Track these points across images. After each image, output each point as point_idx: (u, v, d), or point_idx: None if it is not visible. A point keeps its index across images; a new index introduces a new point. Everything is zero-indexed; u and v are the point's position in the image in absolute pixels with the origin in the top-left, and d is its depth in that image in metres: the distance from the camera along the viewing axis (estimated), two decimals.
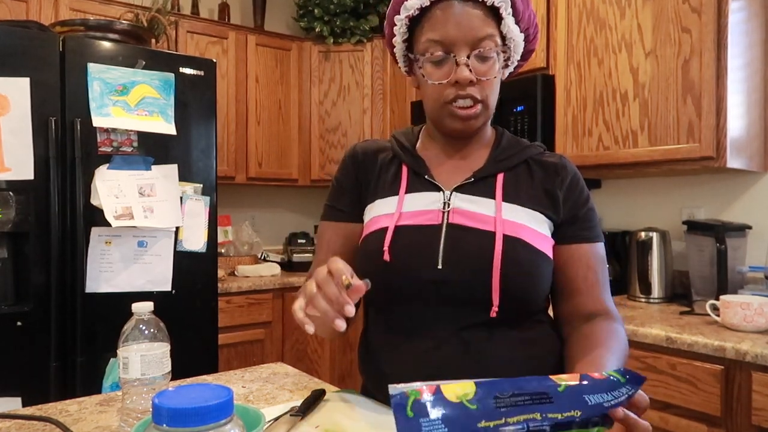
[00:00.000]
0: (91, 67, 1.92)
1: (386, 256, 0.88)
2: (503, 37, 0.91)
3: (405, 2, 0.90)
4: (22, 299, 1.82)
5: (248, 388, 1.03)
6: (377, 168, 1.00)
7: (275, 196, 3.49)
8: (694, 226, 1.91)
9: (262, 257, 3.10)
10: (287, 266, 3.10)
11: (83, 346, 1.88)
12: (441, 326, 0.87)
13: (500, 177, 0.92)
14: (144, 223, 1.94)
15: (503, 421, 0.53)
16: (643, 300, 2.01)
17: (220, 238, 2.93)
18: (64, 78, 1.88)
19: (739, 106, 1.76)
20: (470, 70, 0.86)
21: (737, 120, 1.75)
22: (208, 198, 2.15)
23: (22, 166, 1.79)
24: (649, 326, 1.56)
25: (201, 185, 2.13)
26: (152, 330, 0.83)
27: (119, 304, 1.92)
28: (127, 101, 1.97)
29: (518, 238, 0.87)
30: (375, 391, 0.94)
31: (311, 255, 3.07)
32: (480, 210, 0.89)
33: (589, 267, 0.92)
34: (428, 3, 0.88)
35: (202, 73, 2.15)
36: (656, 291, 1.99)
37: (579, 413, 0.54)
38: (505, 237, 0.86)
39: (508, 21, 0.89)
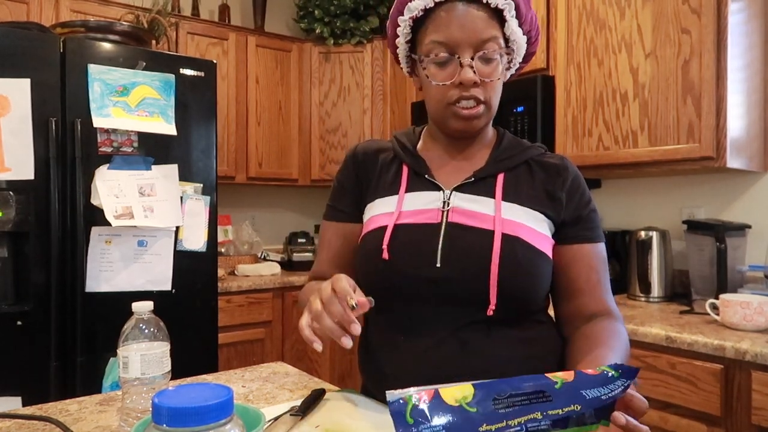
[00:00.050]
0: (92, 68, 1.92)
1: (385, 255, 0.88)
2: (506, 39, 0.91)
3: (409, 3, 0.90)
4: (22, 299, 1.83)
5: (248, 388, 1.03)
6: (378, 168, 1.00)
7: (275, 196, 3.49)
8: (694, 226, 1.91)
9: (262, 257, 3.10)
10: (287, 266, 3.10)
11: (83, 345, 1.88)
12: (440, 325, 0.87)
13: (500, 177, 0.93)
14: (144, 222, 1.94)
15: (504, 423, 0.53)
16: (643, 299, 2.01)
17: (220, 238, 2.93)
18: (65, 79, 1.88)
19: (739, 106, 1.76)
20: (474, 72, 0.86)
21: (737, 120, 1.76)
22: (208, 198, 2.15)
23: (22, 166, 1.80)
24: (649, 325, 1.56)
25: (201, 185, 2.14)
26: (152, 329, 0.83)
27: (119, 304, 1.93)
28: (128, 102, 1.97)
29: (517, 237, 0.87)
30: (375, 390, 0.94)
31: (311, 254, 3.08)
32: (479, 209, 0.90)
33: (591, 267, 0.92)
34: (432, 4, 0.88)
35: (202, 74, 2.15)
36: (656, 290, 1.99)
37: (578, 407, 0.55)
38: (504, 236, 0.86)
39: (512, 23, 0.89)
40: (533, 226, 0.89)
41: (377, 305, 0.82)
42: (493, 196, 0.91)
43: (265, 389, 1.03)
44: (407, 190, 0.94)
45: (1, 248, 1.79)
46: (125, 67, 1.98)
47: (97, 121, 1.90)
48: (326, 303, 0.74)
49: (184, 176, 2.09)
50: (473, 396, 0.54)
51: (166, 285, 2.04)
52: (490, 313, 0.85)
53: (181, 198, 2.07)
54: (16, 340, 1.79)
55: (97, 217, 1.89)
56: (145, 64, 2.01)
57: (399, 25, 0.93)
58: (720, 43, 1.71)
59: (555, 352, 0.92)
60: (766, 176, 1.94)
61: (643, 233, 2.02)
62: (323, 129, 3.20)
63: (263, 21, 3.24)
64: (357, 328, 0.72)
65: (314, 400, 0.90)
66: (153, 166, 2.02)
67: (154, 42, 2.26)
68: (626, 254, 2.11)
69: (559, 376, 0.57)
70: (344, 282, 0.75)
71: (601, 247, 0.94)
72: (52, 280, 1.82)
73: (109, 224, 1.88)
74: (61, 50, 1.88)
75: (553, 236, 0.93)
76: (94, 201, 1.89)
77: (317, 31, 3.13)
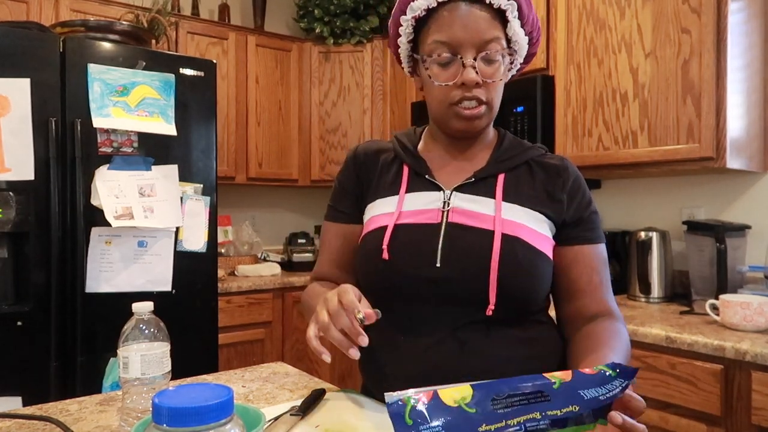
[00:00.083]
0: (92, 67, 1.92)
1: (385, 255, 0.89)
2: (508, 40, 0.91)
3: (412, 3, 0.90)
4: (22, 299, 1.83)
5: (248, 388, 1.03)
6: (378, 168, 1.00)
7: (275, 197, 3.49)
8: (694, 226, 1.91)
9: (262, 257, 3.10)
10: (287, 266, 3.10)
11: (83, 346, 1.88)
12: (440, 325, 0.87)
13: (501, 177, 0.93)
14: (144, 223, 1.94)
15: (503, 423, 0.53)
16: (643, 300, 2.01)
17: (220, 238, 2.93)
18: (65, 79, 1.88)
19: (738, 106, 1.76)
20: (476, 72, 0.86)
21: (737, 120, 1.76)
22: (208, 198, 2.15)
23: (22, 167, 1.79)
24: (649, 326, 1.56)
25: (201, 185, 2.14)
26: (152, 330, 0.83)
27: (119, 304, 1.93)
28: (128, 102, 1.97)
29: (517, 237, 0.87)
30: (375, 390, 0.94)
31: (311, 255, 3.08)
32: (480, 209, 0.90)
33: (593, 268, 0.92)
34: (435, 4, 0.88)
35: (202, 73, 2.15)
36: (656, 291, 1.99)
37: (577, 408, 0.55)
38: (504, 236, 0.86)
39: (514, 24, 0.89)
40: (533, 227, 0.89)
41: (377, 305, 0.82)
42: (493, 197, 0.91)
43: (265, 389, 1.03)
44: (407, 191, 0.95)
45: (1, 248, 1.79)
46: (125, 66, 1.98)
47: (97, 121, 1.90)
48: (333, 315, 0.75)
49: (184, 176, 2.09)
50: (472, 396, 0.54)
51: (166, 285, 2.04)
52: (489, 313, 0.85)
53: (181, 198, 2.07)
54: (16, 340, 1.79)
55: (97, 217, 1.89)
56: (144, 63, 2.01)
57: (401, 25, 0.93)
58: (720, 43, 1.71)
59: (555, 352, 0.92)
60: (766, 176, 1.94)
61: (643, 234, 2.02)
62: (323, 129, 3.20)
63: (263, 20, 3.24)
64: (365, 340, 0.73)
65: (314, 400, 0.90)
66: (153, 167, 2.02)
67: (153, 41, 2.26)
68: (626, 255, 2.11)
69: (558, 376, 0.57)
70: (351, 294, 0.76)
71: (602, 248, 0.94)
72: (52, 280, 1.82)
73: (109, 225, 1.88)
74: (61, 50, 1.88)
75: (554, 237, 0.93)
76: (94, 201, 1.89)
77: (317, 31, 3.13)
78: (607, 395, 0.56)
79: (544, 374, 0.58)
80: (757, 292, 1.73)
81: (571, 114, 2.10)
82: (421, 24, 0.91)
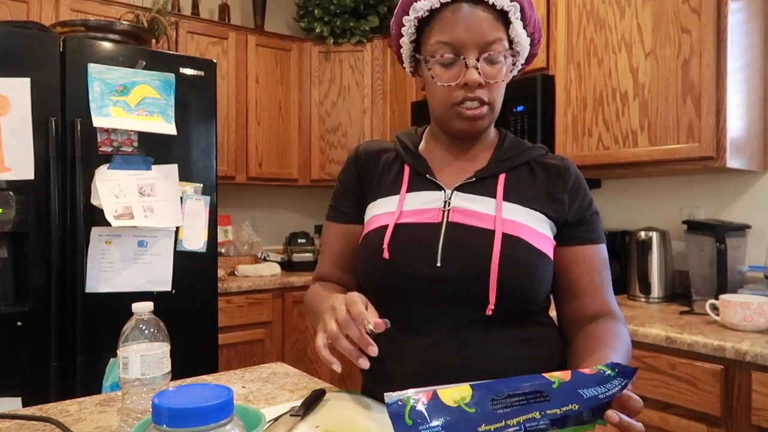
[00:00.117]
0: (92, 67, 1.92)
1: (386, 254, 0.89)
2: (510, 41, 0.91)
3: (414, 3, 0.90)
4: (22, 299, 1.82)
5: (248, 388, 1.03)
6: (379, 168, 1.00)
7: (275, 196, 3.49)
8: (694, 226, 1.91)
9: (262, 257, 3.10)
10: (287, 266, 3.10)
11: (83, 346, 1.88)
12: (440, 324, 0.87)
13: (502, 177, 0.93)
14: (144, 222, 1.94)
15: (503, 423, 0.53)
16: (642, 300, 2.01)
17: (220, 238, 2.93)
18: (65, 78, 1.88)
19: (738, 106, 1.76)
20: (479, 73, 0.87)
21: (737, 120, 1.76)
22: (208, 198, 2.15)
23: (22, 166, 1.79)
24: (649, 326, 1.56)
25: (201, 185, 2.14)
26: (152, 330, 0.83)
27: (119, 304, 1.93)
28: (128, 101, 1.97)
29: (518, 237, 0.87)
30: (375, 390, 0.94)
31: (311, 255, 3.08)
32: (480, 209, 0.90)
33: (594, 269, 0.92)
34: (438, 5, 0.88)
35: (202, 73, 2.15)
36: (656, 291, 1.99)
37: (576, 406, 0.55)
38: (505, 236, 0.86)
39: (516, 25, 0.90)
40: (534, 227, 0.89)
41: (378, 305, 0.82)
42: (494, 196, 0.91)
43: (265, 390, 1.03)
44: (408, 190, 0.95)
45: (1, 248, 1.79)
46: (125, 66, 1.98)
47: (97, 121, 1.89)
48: (343, 325, 0.75)
49: (184, 176, 2.09)
50: (471, 396, 0.54)
51: (166, 285, 2.04)
52: (489, 312, 0.85)
53: (181, 198, 2.07)
54: (16, 340, 1.79)
55: (97, 217, 1.89)
56: (145, 63, 2.01)
57: (404, 25, 0.93)
58: (720, 43, 1.71)
59: (555, 353, 0.92)
60: (766, 176, 1.94)
61: (643, 233, 2.02)
62: (323, 129, 3.20)
63: (263, 20, 3.23)
64: (374, 350, 0.73)
65: (314, 400, 0.90)
66: (153, 166, 2.02)
67: (154, 41, 2.26)
68: (626, 254, 2.11)
69: (557, 376, 0.57)
70: (360, 304, 0.76)
71: (602, 249, 0.94)
72: (52, 280, 1.82)
73: (109, 224, 1.88)
74: (61, 49, 1.88)
75: (555, 237, 0.93)
76: (94, 201, 1.89)
77: (317, 31, 3.13)
78: (606, 394, 0.57)
79: (543, 374, 0.58)
80: (757, 292, 1.73)
81: (571, 113, 2.10)
82: (423, 24, 0.91)
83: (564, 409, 0.55)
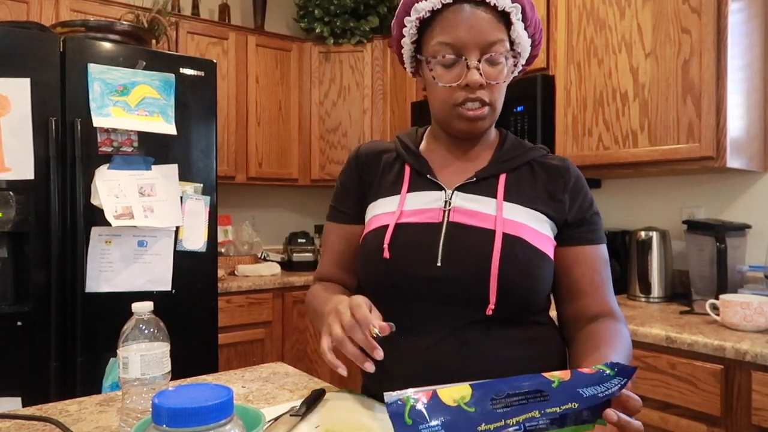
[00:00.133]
0: (92, 67, 1.92)
1: (386, 254, 0.89)
2: (511, 42, 0.91)
3: (416, 4, 0.90)
4: (22, 299, 1.83)
5: (248, 388, 1.03)
6: (380, 168, 1.00)
7: (275, 196, 3.49)
8: (694, 226, 1.91)
9: (262, 257, 3.10)
10: (287, 266, 3.10)
11: (83, 345, 1.88)
12: (440, 324, 0.87)
13: (502, 177, 0.93)
14: (144, 222, 1.94)
15: (503, 422, 0.53)
16: (643, 299, 2.01)
17: (220, 238, 2.93)
18: (65, 78, 1.88)
19: (738, 106, 1.76)
20: (480, 74, 0.87)
21: (737, 120, 1.76)
22: (208, 198, 2.15)
23: (22, 166, 1.79)
24: (649, 326, 1.56)
25: (201, 185, 2.14)
26: (152, 330, 0.83)
27: (119, 304, 1.93)
28: (128, 101, 1.97)
29: (518, 237, 0.87)
30: (375, 390, 0.94)
31: (311, 255, 3.09)
32: (481, 209, 0.90)
33: (595, 269, 0.92)
34: (440, 6, 0.88)
35: (202, 73, 2.15)
36: (656, 290, 1.99)
37: (576, 405, 0.55)
38: (505, 236, 0.86)
39: (518, 26, 0.90)
40: (535, 227, 0.89)
41: (378, 305, 0.82)
42: (494, 196, 0.91)
43: (265, 389, 1.03)
44: (409, 190, 0.95)
45: (1, 248, 1.79)
46: (125, 66, 1.98)
47: (97, 121, 1.90)
48: (348, 329, 0.75)
49: (184, 176, 2.09)
50: (471, 396, 0.54)
51: (166, 285, 2.04)
52: (489, 312, 0.85)
53: (181, 198, 2.07)
54: (16, 340, 1.79)
55: (97, 217, 1.89)
56: (145, 63, 2.01)
57: (405, 26, 0.93)
58: (720, 43, 1.71)
59: (555, 353, 0.92)
60: (766, 176, 1.94)
61: (643, 233, 2.02)
62: (323, 129, 3.20)
63: (263, 20, 3.24)
64: (380, 354, 0.73)
65: (314, 400, 0.90)
66: (153, 166, 2.02)
67: (154, 41, 2.26)
68: (626, 254, 2.11)
69: (556, 375, 0.57)
70: (365, 308, 0.76)
71: (603, 249, 0.94)
72: (52, 280, 1.82)
73: (109, 224, 1.88)
74: (61, 50, 1.88)
75: (555, 238, 0.93)
76: (94, 201, 1.89)
77: (317, 31, 3.13)
78: (606, 393, 0.57)
79: (543, 374, 0.58)
80: (757, 291, 1.73)
81: (571, 113, 2.10)
82: (424, 25, 0.91)
83: (563, 408, 0.55)
